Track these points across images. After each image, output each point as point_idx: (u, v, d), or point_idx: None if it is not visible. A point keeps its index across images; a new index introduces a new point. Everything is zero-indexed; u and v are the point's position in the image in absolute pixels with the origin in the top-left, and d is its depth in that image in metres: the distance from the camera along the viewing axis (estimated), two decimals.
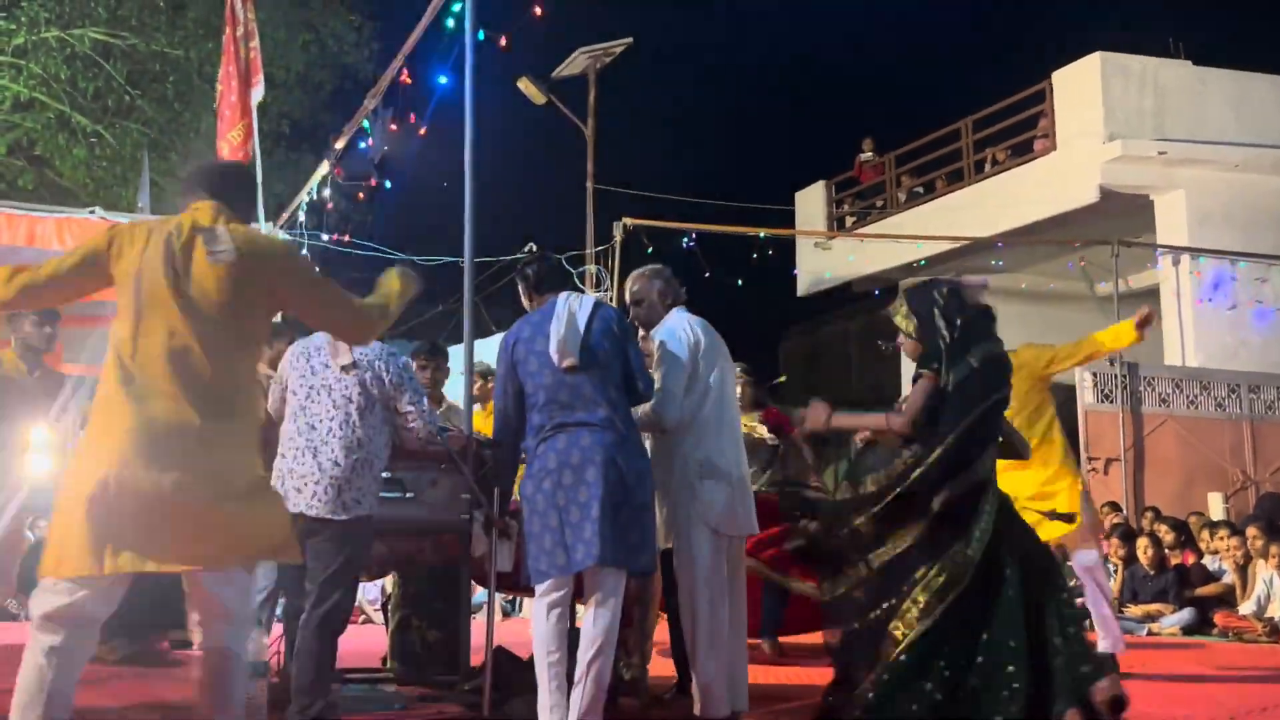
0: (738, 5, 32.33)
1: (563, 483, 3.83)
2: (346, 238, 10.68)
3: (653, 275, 4.60)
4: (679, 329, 4.35)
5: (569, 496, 3.81)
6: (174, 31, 14.54)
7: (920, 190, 16.56)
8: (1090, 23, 20.41)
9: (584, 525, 3.77)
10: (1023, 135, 14.74)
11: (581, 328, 3.96)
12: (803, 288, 17.44)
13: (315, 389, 4.15)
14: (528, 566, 3.98)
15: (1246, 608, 8.08)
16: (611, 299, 10.76)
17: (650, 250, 11.84)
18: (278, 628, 4.82)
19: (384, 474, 4.32)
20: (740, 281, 13.80)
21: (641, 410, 4.22)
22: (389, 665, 5.56)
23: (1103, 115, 13.32)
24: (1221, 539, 8.84)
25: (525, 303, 4.26)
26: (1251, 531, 8.43)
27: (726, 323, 4.56)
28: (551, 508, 3.84)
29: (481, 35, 5.36)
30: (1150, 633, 8.13)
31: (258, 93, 8.29)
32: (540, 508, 3.88)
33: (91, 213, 8.37)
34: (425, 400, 4.25)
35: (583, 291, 8.27)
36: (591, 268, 11.56)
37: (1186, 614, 8.24)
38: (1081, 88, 13.64)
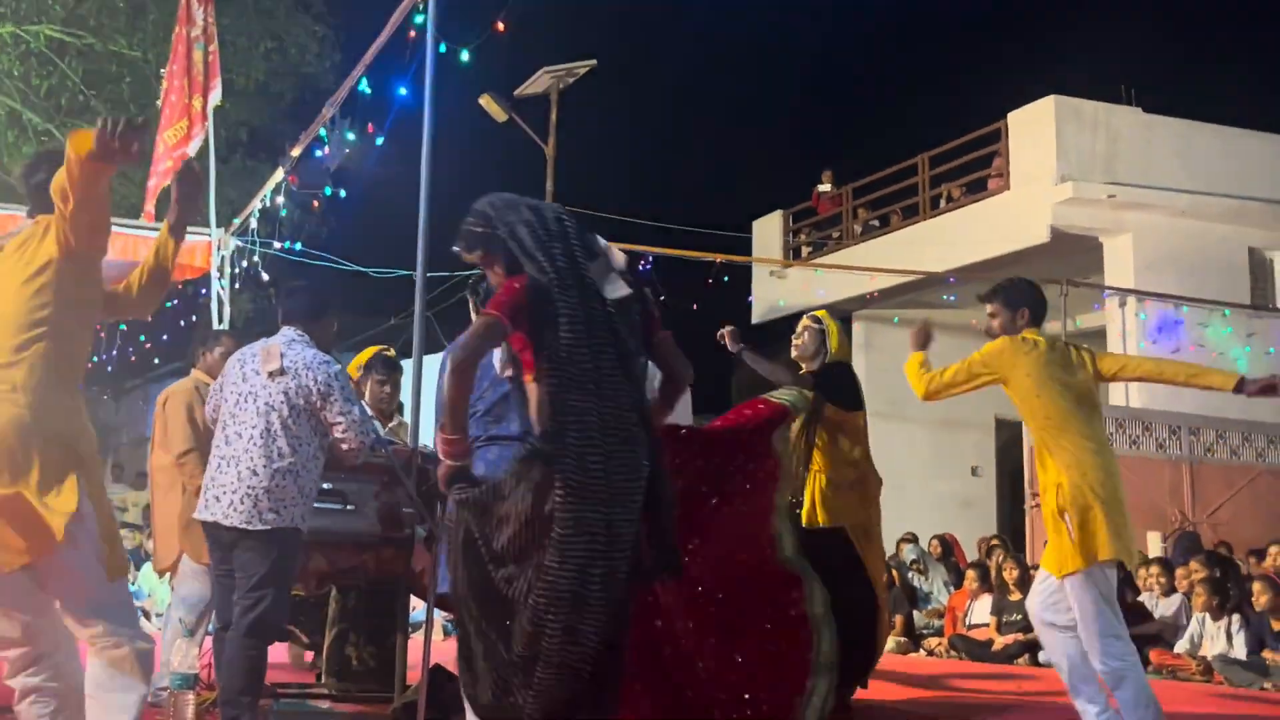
0: (702, 32, 32.61)
1: None
2: (298, 246, 10.55)
3: None
4: None
5: None
6: (133, 33, 14.33)
7: (876, 223, 16.72)
8: (1046, 65, 20.80)
9: None
10: (978, 173, 14.95)
11: None
12: (758, 315, 17.52)
13: (243, 396, 4.07)
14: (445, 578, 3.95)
15: (1181, 645, 8.19)
16: None
17: None
18: (209, 641, 4.73)
19: (325, 485, 4.24)
20: (695, 306, 13.84)
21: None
22: (323, 680, 5.48)
23: (1055, 157, 13.55)
24: (1154, 576, 8.96)
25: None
26: (1193, 565, 8.56)
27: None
28: None
29: (443, 48, 5.34)
30: None
31: (215, 96, 8.15)
32: None
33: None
34: (357, 410, 4.10)
35: None
36: None
37: None
38: (1035, 129, 13.86)
